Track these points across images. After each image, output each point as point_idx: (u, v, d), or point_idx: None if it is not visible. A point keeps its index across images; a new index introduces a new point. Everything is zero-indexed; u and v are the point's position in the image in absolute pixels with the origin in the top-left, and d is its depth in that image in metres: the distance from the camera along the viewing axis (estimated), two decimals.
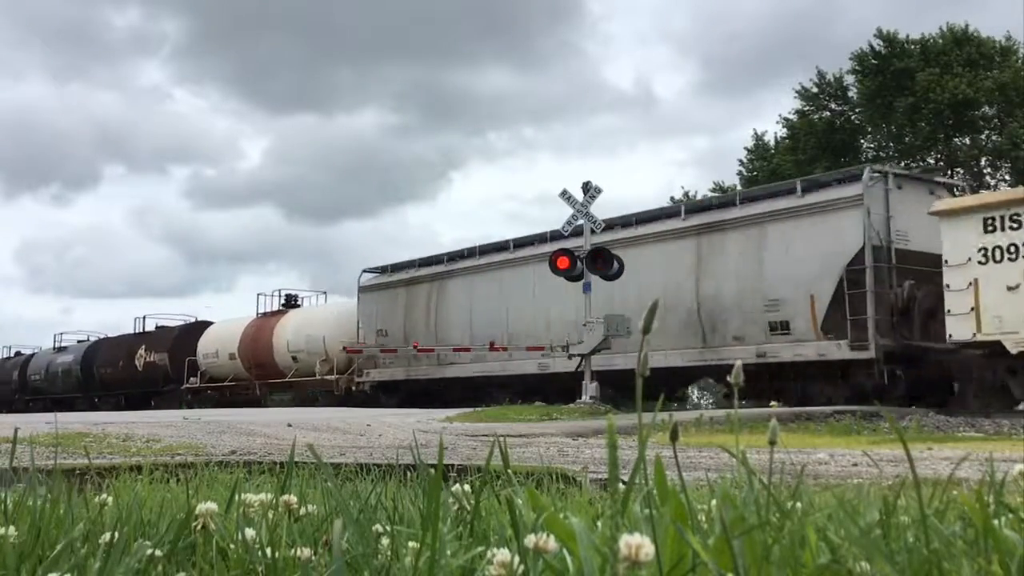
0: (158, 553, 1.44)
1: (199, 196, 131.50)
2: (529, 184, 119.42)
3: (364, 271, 29.21)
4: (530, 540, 1.18)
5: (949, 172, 36.12)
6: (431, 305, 26.11)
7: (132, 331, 43.32)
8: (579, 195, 18.66)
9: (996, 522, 1.32)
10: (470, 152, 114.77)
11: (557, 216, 25.47)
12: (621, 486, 1.29)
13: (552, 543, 1.18)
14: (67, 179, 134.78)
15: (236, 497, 1.75)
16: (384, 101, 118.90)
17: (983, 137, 34.74)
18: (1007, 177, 34.09)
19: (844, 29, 63.24)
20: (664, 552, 1.14)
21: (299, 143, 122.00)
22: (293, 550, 1.44)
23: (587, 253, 18.41)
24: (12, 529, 1.44)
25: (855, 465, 6.13)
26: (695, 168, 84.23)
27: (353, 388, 28.73)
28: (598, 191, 18.68)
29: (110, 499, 1.86)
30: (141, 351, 38.43)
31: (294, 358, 30.74)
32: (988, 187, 32.83)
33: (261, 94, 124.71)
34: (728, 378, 1.51)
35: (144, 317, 40.95)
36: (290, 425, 11.75)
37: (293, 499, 1.72)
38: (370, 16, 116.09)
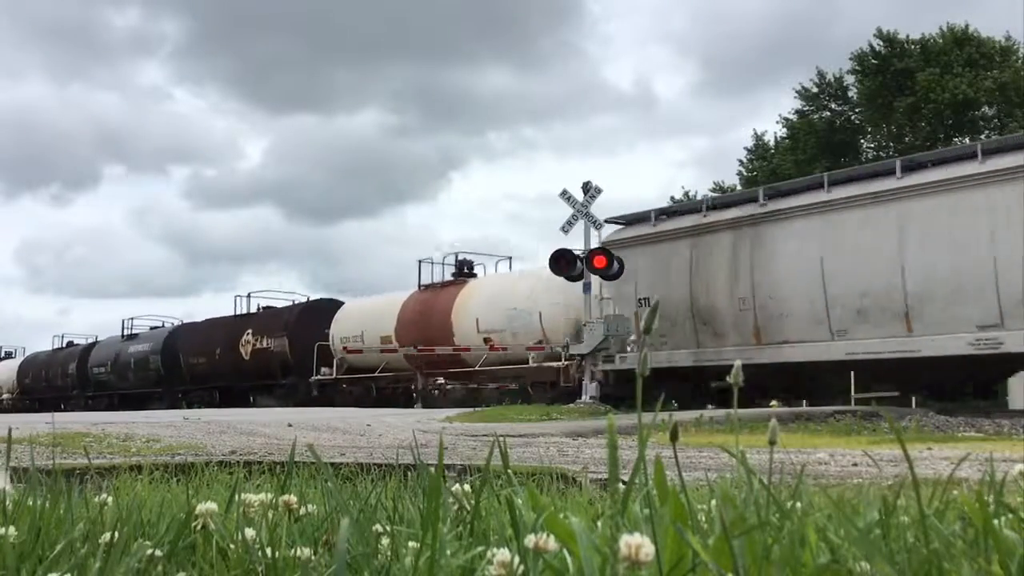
0: (158, 553, 1.44)
1: (199, 196, 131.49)
2: (529, 184, 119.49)
3: (605, 221, 20.85)
4: (530, 540, 1.18)
5: None
6: (740, 261, 17.96)
7: (223, 315, 36.15)
8: (579, 195, 18.68)
9: (996, 522, 1.32)
10: (470, 152, 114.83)
11: (558, 216, 25.19)
12: (621, 486, 1.29)
13: (552, 543, 1.18)
14: (67, 179, 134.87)
15: (236, 497, 1.75)
16: (384, 101, 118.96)
17: (983, 137, 34.74)
18: None
19: (844, 29, 63.27)
20: (664, 552, 1.14)
21: (299, 143, 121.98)
22: (293, 550, 1.44)
23: (586, 253, 18.43)
24: (12, 529, 1.44)
25: (855, 465, 6.13)
26: (695, 168, 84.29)
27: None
28: (598, 191, 18.70)
29: (110, 499, 1.86)
30: (247, 336, 31.20)
31: (487, 341, 23.19)
32: None
33: (261, 94, 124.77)
34: (728, 378, 1.51)
35: (248, 295, 33.69)
36: (290, 425, 11.76)
37: (293, 499, 1.72)
38: (370, 16, 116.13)
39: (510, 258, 26.81)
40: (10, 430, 2.29)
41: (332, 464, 5.31)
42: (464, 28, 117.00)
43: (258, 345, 30.78)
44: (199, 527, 1.57)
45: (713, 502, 1.43)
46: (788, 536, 1.22)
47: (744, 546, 1.16)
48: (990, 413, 14.13)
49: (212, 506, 1.59)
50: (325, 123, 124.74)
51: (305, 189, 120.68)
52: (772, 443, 1.53)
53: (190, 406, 30.50)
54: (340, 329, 28.19)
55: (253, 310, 33.32)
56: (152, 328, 39.88)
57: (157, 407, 31.14)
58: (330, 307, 30.21)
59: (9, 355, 53.47)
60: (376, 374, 26.86)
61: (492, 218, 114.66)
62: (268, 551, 1.45)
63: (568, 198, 18.71)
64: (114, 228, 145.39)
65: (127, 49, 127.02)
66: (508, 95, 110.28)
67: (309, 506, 1.75)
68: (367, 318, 27.48)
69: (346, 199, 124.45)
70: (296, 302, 32.80)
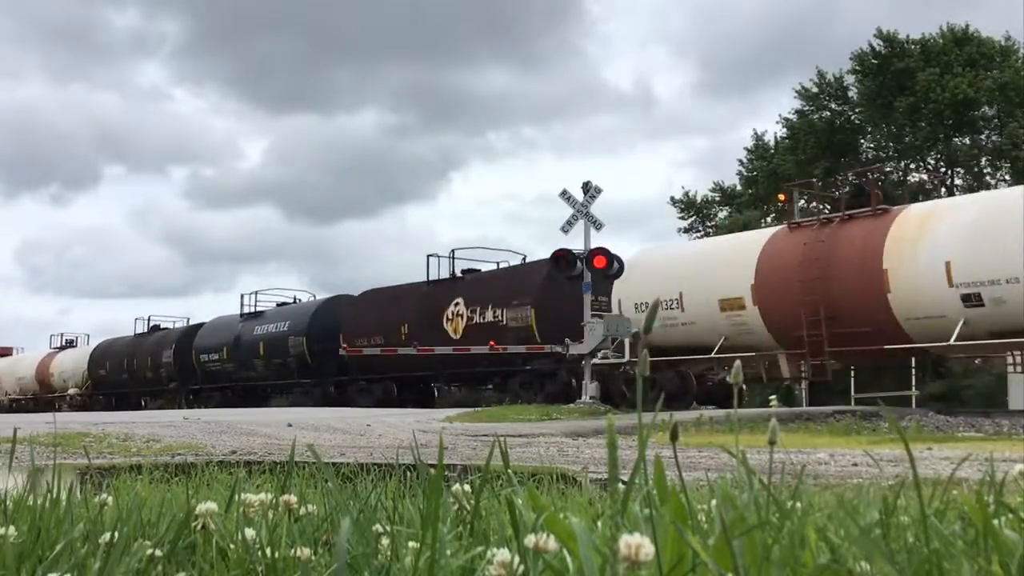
0: (158, 553, 1.44)
1: (199, 196, 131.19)
2: (529, 184, 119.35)
3: None
4: (530, 540, 1.18)
5: (949, 172, 36.17)
6: None
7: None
8: (579, 195, 18.69)
9: (996, 522, 1.32)
10: (470, 152, 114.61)
11: (558, 216, 25.01)
12: (621, 486, 1.29)
13: (552, 543, 1.18)
14: (67, 179, 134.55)
15: (236, 497, 1.75)
16: (384, 101, 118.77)
17: (983, 137, 34.72)
18: (1007, 177, 34.12)
19: (844, 29, 63.21)
20: (664, 552, 1.14)
21: (299, 143, 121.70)
22: (293, 550, 1.44)
23: (586, 253, 18.43)
24: (12, 529, 1.44)
25: (855, 465, 6.13)
26: (695, 168, 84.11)
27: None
28: (598, 191, 18.70)
29: (110, 499, 1.86)
30: (456, 307, 23.50)
31: (815, 316, 15.81)
32: (988, 187, 32.86)
33: (261, 94, 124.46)
34: (728, 378, 1.51)
35: (452, 254, 24.98)
36: (290, 425, 11.76)
37: (293, 499, 1.72)
38: (370, 16, 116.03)
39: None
40: (15, 430, 2.29)
41: (332, 464, 5.31)
42: (464, 28, 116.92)
43: (478, 319, 22.74)
44: (199, 527, 1.57)
45: (713, 502, 1.43)
46: (788, 536, 1.22)
47: (744, 546, 1.16)
48: (990, 413, 14.13)
49: (212, 506, 1.59)
50: (325, 123, 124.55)
51: (305, 189, 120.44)
52: (772, 443, 1.53)
53: (351, 402, 24.28)
54: (631, 290, 19.54)
55: (435, 274, 25.08)
56: (280, 304, 31.79)
57: (302, 403, 25.52)
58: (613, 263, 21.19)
59: (71, 344, 44.68)
60: (714, 355, 17.84)
61: (492, 218, 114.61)
62: (268, 551, 1.45)
63: (568, 198, 18.71)
64: (114, 228, 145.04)
65: (127, 49, 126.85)
66: (508, 95, 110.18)
67: (309, 506, 1.75)
68: (688, 271, 18.55)
69: (346, 199, 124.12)
70: (508, 263, 24.70)
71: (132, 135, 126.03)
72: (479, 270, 25.29)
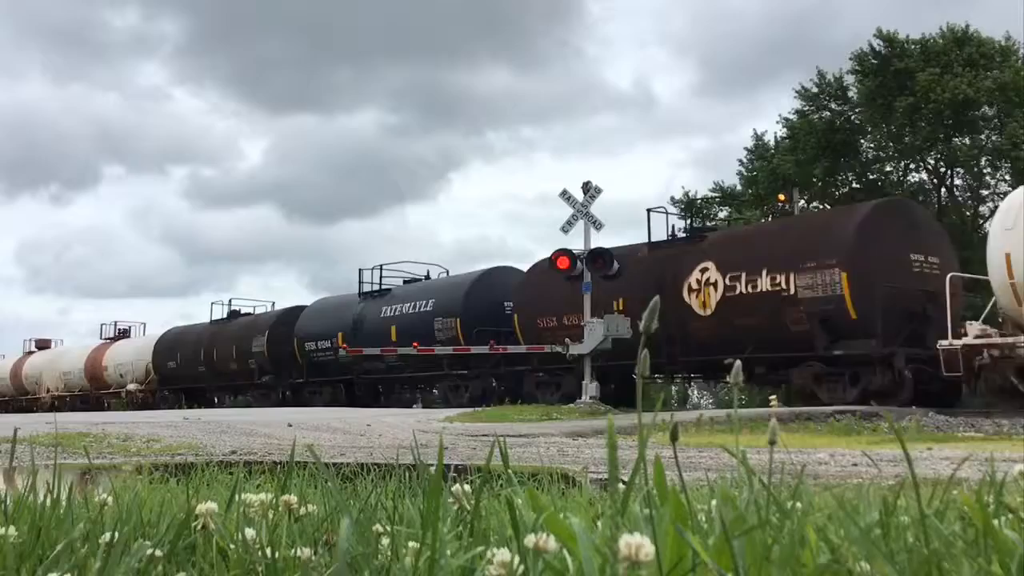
0: (158, 553, 1.44)
1: (198, 196, 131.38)
2: (529, 184, 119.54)
3: None
4: (530, 540, 1.18)
5: (949, 172, 36.16)
6: None
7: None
8: (579, 195, 18.69)
9: (996, 522, 1.32)
10: (470, 152, 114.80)
11: (558, 216, 24.95)
12: (621, 486, 1.29)
13: (552, 543, 1.18)
14: (67, 179, 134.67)
15: (236, 497, 1.75)
16: (384, 101, 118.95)
17: (983, 137, 34.70)
18: (1007, 177, 34.12)
19: (844, 29, 63.25)
20: (664, 552, 1.14)
21: (299, 143, 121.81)
22: (293, 550, 1.44)
23: (586, 253, 18.43)
24: (12, 529, 1.44)
25: (855, 465, 6.14)
26: (695, 168, 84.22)
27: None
28: (598, 191, 18.69)
29: (110, 499, 1.86)
30: (706, 273, 18.32)
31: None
32: (988, 187, 32.88)
33: (261, 94, 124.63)
34: (728, 377, 1.51)
35: (690, 207, 20.02)
36: (290, 425, 11.76)
37: (293, 499, 1.72)
38: (370, 16, 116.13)
39: None
40: (15, 430, 2.29)
41: (332, 464, 5.32)
42: (464, 28, 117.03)
43: (742, 288, 17.44)
44: (199, 527, 1.57)
45: (713, 502, 1.43)
46: (788, 536, 1.22)
47: (744, 546, 1.16)
48: (990, 413, 14.13)
49: (212, 506, 1.59)
50: (325, 123, 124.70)
51: (305, 189, 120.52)
52: (772, 443, 1.53)
53: (530, 398, 19.90)
54: None
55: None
56: (408, 281, 26.03)
57: (456, 400, 21.54)
58: (907, 212, 17.32)
59: (124, 333, 38.95)
60: None
61: (492, 218, 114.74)
62: (268, 551, 1.45)
63: (568, 198, 18.71)
64: (114, 228, 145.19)
65: (126, 49, 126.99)
66: (508, 95, 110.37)
67: (309, 506, 1.75)
68: None
69: (346, 199, 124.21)
70: (744, 219, 18.90)
71: (132, 135, 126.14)
72: (715, 228, 20.02)
